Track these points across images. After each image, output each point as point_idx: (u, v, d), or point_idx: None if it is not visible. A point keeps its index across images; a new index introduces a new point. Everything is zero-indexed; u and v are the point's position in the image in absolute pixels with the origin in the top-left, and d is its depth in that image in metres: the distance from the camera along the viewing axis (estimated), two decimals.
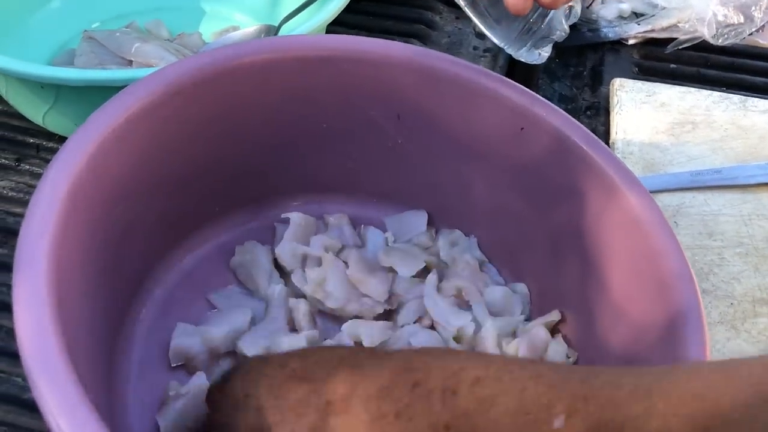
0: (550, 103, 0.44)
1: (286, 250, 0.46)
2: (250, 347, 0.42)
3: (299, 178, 0.50)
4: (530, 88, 0.70)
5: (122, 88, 0.45)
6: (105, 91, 0.47)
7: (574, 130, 0.42)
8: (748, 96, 0.67)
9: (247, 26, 0.66)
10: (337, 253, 0.47)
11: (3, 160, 0.57)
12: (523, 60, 0.55)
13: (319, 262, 0.45)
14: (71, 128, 0.54)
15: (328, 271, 0.44)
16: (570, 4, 0.46)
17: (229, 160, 0.46)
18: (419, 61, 0.45)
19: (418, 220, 0.51)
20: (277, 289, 0.46)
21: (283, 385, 0.33)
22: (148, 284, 0.45)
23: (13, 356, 0.45)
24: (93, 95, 0.49)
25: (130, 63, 0.59)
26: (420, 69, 0.45)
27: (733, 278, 0.50)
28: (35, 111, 0.54)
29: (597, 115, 0.66)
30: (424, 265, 0.48)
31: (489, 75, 0.45)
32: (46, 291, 0.29)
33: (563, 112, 0.43)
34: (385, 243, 0.50)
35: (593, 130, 0.64)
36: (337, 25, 0.65)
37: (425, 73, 0.45)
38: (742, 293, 0.49)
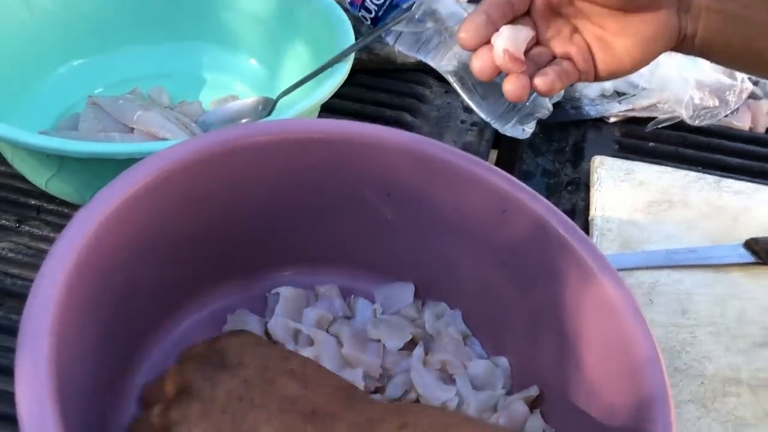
0: (531, 189, 0.46)
1: (279, 324, 0.48)
2: None
3: (292, 250, 0.53)
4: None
5: (123, 160, 0.49)
6: (107, 162, 0.50)
7: (554, 215, 0.45)
8: (722, 177, 0.70)
9: (246, 96, 0.69)
10: (328, 326, 0.49)
11: (4, 221, 0.59)
12: (508, 134, 0.58)
13: (311, 340, 0.47)
14: (72, 194, 0.57)
15: (322, 350, 0.46)
16: None
17: (226, 232, 0.49)
18: (410, 146, 0.48)
19: (406, 292, 0.53)
20: None
21: (278, 376, 0.34)
22: (144, 349, 0.46)
23: (11, 420, 0.46)
24: (96, 165, 0.52)
25: (131, 130, 0.62)
26: (410, 153, 0.48)
27: (705, 357, 0.52)
28: (39, 177, 0.56)
29: (578, 191, 0.69)
30: (410, 337, 0.50)
31: (473, 161, 0.47)
32: (46, 370, 0.31)
33: (543, 199, 0.46)
34: (374, 314, 0.52)
35: (573, 206, 0.67)
36: (332, 97, 0.68)
37: (415, 157, 0.48)
38: (712, 372, 0.51)
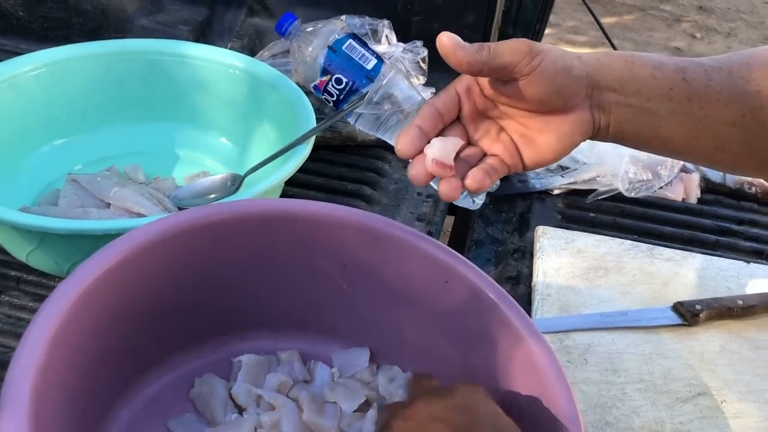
0: (469, 261, 0.52)
1: (242, 390, 0.52)
2: None
3: (256, 317, 0.57)
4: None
5: (100, 236, 0.53)
6: (85, 237, 0.55)
7: (488, 285, 0.50)
8: (655, 245, 0.76)
9: (217, 171, 0.75)
10: (288, 390, 0.54)
11: None
12: (461, 205, 0.64)
13: (272, 405, 0.51)
14: (51, 265, 0.61)
15: (282, 415, 0.50)
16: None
17: (194, 301, 0.53)
18: (361, 222, 0.53)
19: (361, 356, 0.58)
20: (233, 417, 0.52)
21: None
22: (116, 408, 0.51)
23: None
24: (74, 240, 0.56)
25: (108, 205, 0.67)
26: (362, 228, 0.53)
27: (633, 412, 0.57)
28: (20, 250, 0.60)
29: (523, 258, 0.75)
30: (364, 399, 0.54)
31: (418, 236, 0.53)
32: (26, 418, 0.35)
33: (480, 270, 0.51)
34: (332, 378, 0.56)
35: (518, 272, 0.73)
36: (298, 172, 0.73)
37: (366, 232, 0.53)
38: (640, 426, 0.56)
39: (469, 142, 0.49)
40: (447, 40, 0.44)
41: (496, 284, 0.51)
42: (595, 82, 0.47)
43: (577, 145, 0.49)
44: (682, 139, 0.48)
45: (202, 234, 0.50)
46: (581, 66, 0.47)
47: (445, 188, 0.46)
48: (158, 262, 0.49)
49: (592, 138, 0.50)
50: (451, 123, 0.49)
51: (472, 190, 0.47)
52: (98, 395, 0.48)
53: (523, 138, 0.48)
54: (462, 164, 0.47)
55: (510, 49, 0.45)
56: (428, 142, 0.47)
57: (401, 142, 0.47)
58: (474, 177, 0.47)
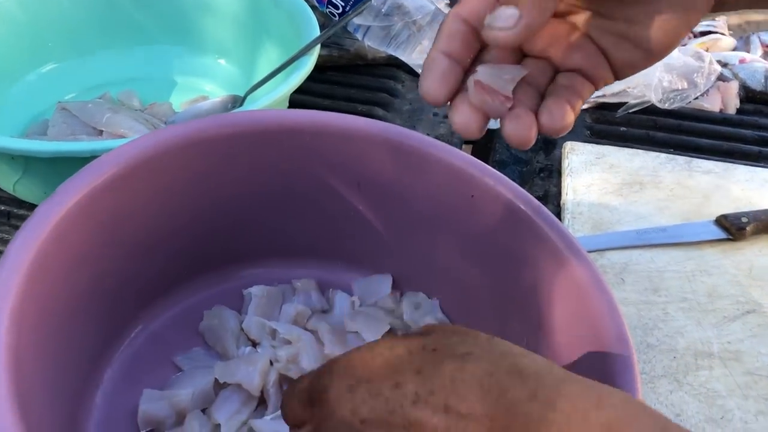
0: (498, 172, 0.47)
1: (253, 324, 0.48)
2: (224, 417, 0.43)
3: (265, 243, 0.53)
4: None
5: (90, 158, 0.48)
6: (73, 162, 0.50)
7: (522, 198, 0.45)
8: (693, 157, 0.71)
9: (217, 96, 0.69)
10: (306, 321, 0.49)
11: None
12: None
13: (287, 340, 0.47)
14: (42, 196, 0.56)
15: (300, 348, 0.46)
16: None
17: (194, 226, 0.48)
18: (377, 134, 0.48)
19: (383, 283, 0.53)
20: (247, 350, 0.47)
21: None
22: (113, 347, 0.46)
23: None
24: (62, 165, 0.51)
25: (101, 133, 0.62)
26: (378, 141, 0.48)
27: (677, 332, 0.53)
28: (6, 180, 0.56)
29: (550, 177, 0.69)
30: (388, 328, 0.50)
31: (439, 146, 0.48)
32: (3, 359, 0.31)
33: (512, 182, 0.46)
34: (352, 306, 0.52)
35: (546, 192, 0.68)
36: (303, 94, 0.68)
37: (383, 145, 0.48)
38: (684, 347, 0.52)
39: (528, 55, 0.35)
40: None
41: (531, 197, 0.45)
42: None
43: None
44: None
45: (197, 150, 0.45)
46: None
47: (513, 128, 0.32)
48: (153, 181, 0.44)
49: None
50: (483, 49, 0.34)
51: (554, 132, 0.33)
52: (93, 329, 0.43)
53: (611, 35, 0.34)
54: (527, 92, 0.33)
55: None
56: (466, 74, 0.33)
57: (426, 81, 0.32)
58: (552, 111, 0.32)
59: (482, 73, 0.32)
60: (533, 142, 0.33)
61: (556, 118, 0.32)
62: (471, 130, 0.32)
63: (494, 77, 0.32)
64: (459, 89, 0.33)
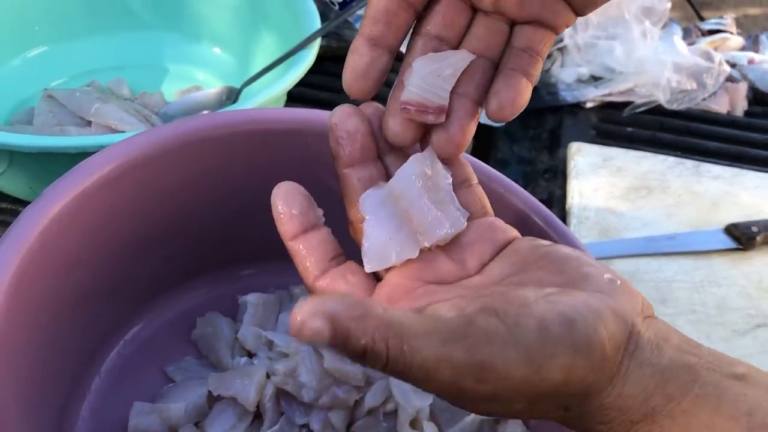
0: (507, 178, 0.44)
1: (249, 334, 0.45)
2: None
3: (262, 246, 0.50)
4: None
5: (77, 154, 0.46)
6: (58, 156, 0.47)
7: (533, 208, 0.43)
8: (701, 161, 0.69)
9: (211, 86, 0.66)
10: None
11: None
12: (481, 121, 0.56)
13: (284, 354, 0.45)
14: (25, 190, 0.54)
15: (298, 362, 0.43)
16: None
17: (188, 228, 0.46)
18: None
19: None
20: (242, 362, 0.45)
21: None
22: (100, 357, 0.44)
23: None
24: (47, 160, 0.49)
25: (89, 123, 0.59)
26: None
27: None
28: None
29: (554, 179, 0.67)
30: None
31: None
32: None
33: (520, 189, 0.44)
34: None
35: (550, 194, 0.65)
36: (301, 86, 0.65)
37: None
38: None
39: (479, 10, 0.30)
40: None
41: (542, 205, 0.43)
42: None
43: None
44: None
45: (193, 150, 0.42)
46: None
47: (438, 140, 0.29)
48: (143, 182, 0.41)
49: None
50: (428, 7, 0.30)
51: (501, 117, 0.29)
52: (81, 334, 0.41)
53: None
54: (474, 75, 0.30)
55: None
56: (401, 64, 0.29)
57: (347, 74, 0.29)
58: (500, 97, 0.29)
59: (416, 75, 0.28)
60: (466, 144, 0.30)
61: (505, 104, 0.29)
62: (404, 139, 0.30)
63: (430, 78, 0.28)
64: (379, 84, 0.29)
